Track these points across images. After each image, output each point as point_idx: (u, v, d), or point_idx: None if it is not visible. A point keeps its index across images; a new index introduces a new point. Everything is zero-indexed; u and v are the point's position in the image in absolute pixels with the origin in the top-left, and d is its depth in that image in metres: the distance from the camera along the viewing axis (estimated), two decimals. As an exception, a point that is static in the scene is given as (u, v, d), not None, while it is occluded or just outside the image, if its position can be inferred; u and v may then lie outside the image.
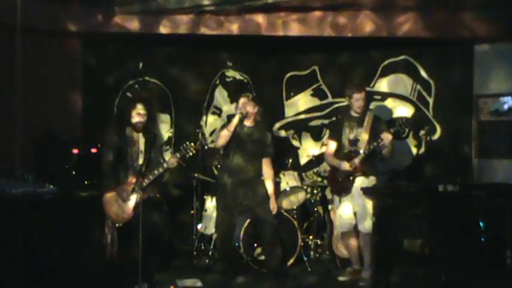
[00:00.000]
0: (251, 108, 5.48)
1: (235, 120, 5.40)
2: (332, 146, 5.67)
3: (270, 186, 5.59)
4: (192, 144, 5.17)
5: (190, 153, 5.16)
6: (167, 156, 5.14)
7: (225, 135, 5.43)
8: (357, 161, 5.36)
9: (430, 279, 4.89)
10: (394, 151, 5.51)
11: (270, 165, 5.61)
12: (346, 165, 5.41)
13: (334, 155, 5.62)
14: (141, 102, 5.18)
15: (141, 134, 5.16)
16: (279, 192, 6.04)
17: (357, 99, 5.49)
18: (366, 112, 5.58)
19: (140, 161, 5.06)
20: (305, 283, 5.60)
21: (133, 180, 5.00)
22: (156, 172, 5.06)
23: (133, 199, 5.01)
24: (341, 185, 5.51)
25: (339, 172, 5.50)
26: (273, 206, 5.56)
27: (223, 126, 5.59)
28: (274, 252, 5.54)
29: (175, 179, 6.77)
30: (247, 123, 5.55)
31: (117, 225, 5.06)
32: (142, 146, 5.13)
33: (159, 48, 6.93)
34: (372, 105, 6.69)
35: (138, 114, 5.12)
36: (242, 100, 5.53)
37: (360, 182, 5.41)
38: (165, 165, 5.11)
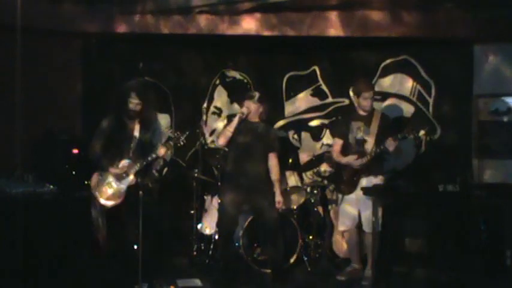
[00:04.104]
0: (254, 108, 5.47)
1: (236, 120, 5.40)
2: (339, 144, 5.66)
3: (276, 181, 5.49)
4: (181, 134, 5.24)
5: (181, 143, 5.23)
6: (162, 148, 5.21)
7: (225, 135, 5.43)
8: (364, 160, 5.37)
9: (430, 279, 4.89)
10: (401, 152, 5.50)
11: (275, 160, 5.52)
12: (353, 157, 5.41)
13: (342, 153, 5.61)
14: (134, 91, 5.25)
15: (136, 121, 5.24)
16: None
17: (365, 98, 5.46)
18: (372, 111, 5.56)
19: (132, 147, 5.15)
20: (305, 283, 5.60)
21: (125, 164, 5.09)
22: (149, 158, 5.12)
23: (124, 183, 5.07)
24: (346, 183, 5.52)
25: (345, 171, 5.50)
26: (277, 200, 5.45)
27: (225, 126, 5.59)
28: (276, 251, 5.52)
29: (176, 178, 6.80)
30: (252, 119, 5.52)
31: (105, 206, 5.11)
32: (136, 133, 5.21)
33: (159, 48, 6.92)
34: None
35: (131, 102, 5.19)
36: (247, 102, 5.51)
37: (366, 181, 5.42)
38: (157, 152, 5.15)
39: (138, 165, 5.08)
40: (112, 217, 5.14)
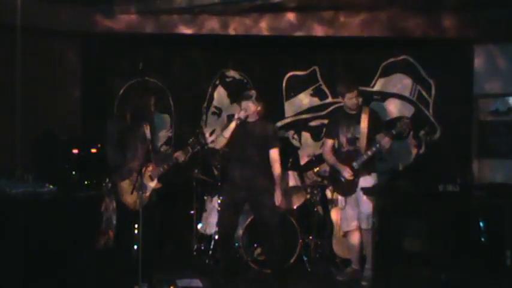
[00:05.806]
0: (253, 109, 5.46)
1: (232, 126, 5.39)
2: (329, 144, 5.69)
3: (277, 176, 5.46)
4: (196, 140, 5.44)
5: (197, 148, 5.47)
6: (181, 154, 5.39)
7: (221, 141, 5.46)
8: (356, 164, 5.38)
9: (430, 279, 4.88)
10: (393, 150, 5.52)
11: (277, 156, 5.49)
12: (347, 173, 5.42)
13: (333, 154, 5.63)
14: (154, 94, 5.55)
15: (144, 124, 5.31)
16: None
17: (350, 98, 5.51)
18: (361, 109, 5.57)
19: (148, 150, 5.25)
20: (305, 283, 5.60)
21: (150, 168, 5.24)
22: (170, 163, 5.31)
23: (149, 187, 5.23)
24: (345, 185, 5.52)
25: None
26: (277, 197, 5.43)
27: (223, 129, 5.59)
28: (276, 250, 5.51)
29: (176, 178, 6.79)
30: (251, 119, 5.50)
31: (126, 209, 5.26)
32: (149, 136, 5.28)
33: (159, 48, 6.92)
34: (372, 105, 6.68)
35: (153, 105, 5.45)
36: (245, 102, 5.48)
37: (362, 180, 5.42)
38: (175, 158, 5.33)
39: (162, 169, 5.27)
40: (123, 218, 5.26)
